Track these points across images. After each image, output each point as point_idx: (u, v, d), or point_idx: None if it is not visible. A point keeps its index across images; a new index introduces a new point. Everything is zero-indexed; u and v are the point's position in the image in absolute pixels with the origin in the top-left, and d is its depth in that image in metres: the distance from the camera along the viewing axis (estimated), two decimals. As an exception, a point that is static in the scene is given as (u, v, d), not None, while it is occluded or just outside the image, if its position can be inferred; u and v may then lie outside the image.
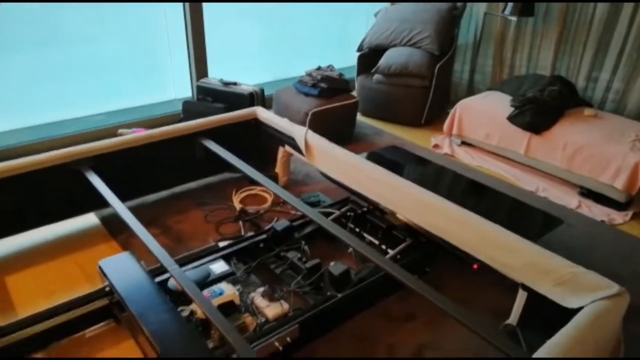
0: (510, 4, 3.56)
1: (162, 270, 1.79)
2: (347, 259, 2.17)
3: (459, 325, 1.44)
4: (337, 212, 2.35)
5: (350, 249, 2.16)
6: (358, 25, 4.75)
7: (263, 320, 1.72)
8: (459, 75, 4.27)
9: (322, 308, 1.72)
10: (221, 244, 2.09)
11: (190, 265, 1.92)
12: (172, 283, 1.78)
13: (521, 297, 1.64)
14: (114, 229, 2.33)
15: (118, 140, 2.38)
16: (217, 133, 2.64)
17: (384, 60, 3.77)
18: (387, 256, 2.04)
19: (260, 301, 1.78)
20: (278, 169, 2.79)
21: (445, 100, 4.14)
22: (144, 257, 1.81)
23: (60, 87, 3.27)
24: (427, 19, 3.78)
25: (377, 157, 2.76)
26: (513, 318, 1.69)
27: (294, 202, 2.07)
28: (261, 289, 1.83)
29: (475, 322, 1.41)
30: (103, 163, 2.29)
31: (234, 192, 2.68)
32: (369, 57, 3.99)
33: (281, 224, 2.18)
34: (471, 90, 4.18)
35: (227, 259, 2.00)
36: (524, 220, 2.26)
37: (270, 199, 2.63)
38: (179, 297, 1.74)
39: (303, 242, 2.15)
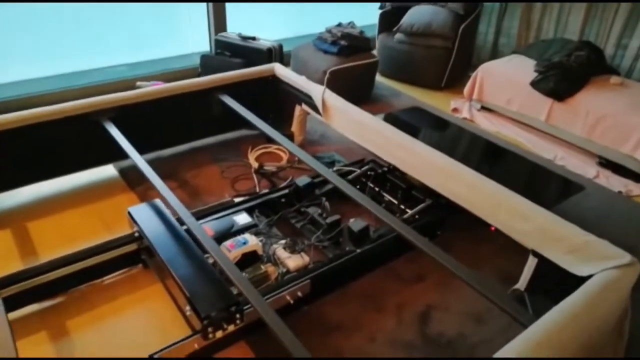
0: (541, -37, 3.40)
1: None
2: (368, 217, 2.19)
3: (467, 287, 1.46)
4: (358, 171, 2.36)
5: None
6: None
7: (284, 270, 1.79)
8: (483, 37, 4.15)
9: (341, 262, 1.78)
10: (237, 200, 2.12)
11: (211, 217, 1.98)
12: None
13: (531, 263, 1.65)
14: (132, 180, 2.38)
15: (137, 93, 2.38)
16: (235, 89, 2.63)
17: (406, 19, 3.67)
18: (406, 216, 2.07)
19: (281, 252, 1.85)
20: (294, 127, 2.79)
21: (468, 63, 4.05)
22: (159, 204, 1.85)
23: (84, 36, 3.27)
24: (453, -24, 3.64)
25: (397, 118, 2.74)
26: (522, 283, 1.71)
27: (309, 161, 2.08)
28: (283, 241, 1.90)
29: (483, 285, 1.43)
30: (122, 115, 2.31)
31: (249, 149, 2.70)
32: (392, 14, 3.88)
33: (303, 179, 2.21)
34: (495, 54, 4.08)
35: (249, 211, 2.06)
36: (544, 186, 2.26)
37: (285, 157, 2.65)
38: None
39: (324, 199, 2.19)
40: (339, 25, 3.47)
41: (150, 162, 1.95)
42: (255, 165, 2.54)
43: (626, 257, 1.38)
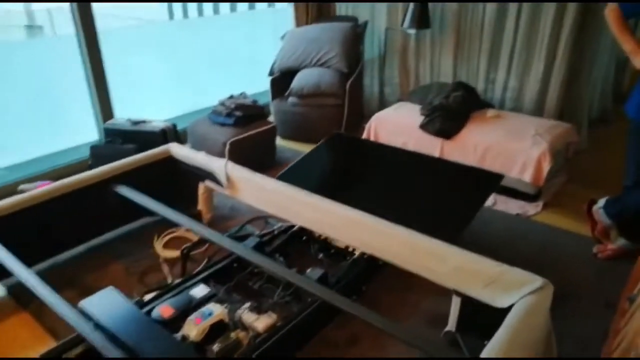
0: (407, 19, 3.73)
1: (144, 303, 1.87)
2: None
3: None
4: (280, 239, 2.35)
5: (321, 255, 2.25)
6: (266, 50, 4.77)
7: (254, 333, 1.77)
8: (370, 89, 4.40)
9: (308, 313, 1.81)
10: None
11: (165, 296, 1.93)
12: (156, 312, 1.80)
13: (455, 302, 1.68)
14: (24, 298, 2.11)
15: (18, 199, 2.18)
16: (131, 176, 2.50)
17: (296, 83, 3.80)
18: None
19: (248, 316, 1.82)
20: (201, 205, 2.69)
21: (360, 116, 4.24)
22: (59, 325, 1.65)
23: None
24: (332, 38, 3.86)
25: (320, 149, 2.88)
26: (451, 324, 1.73)
27: (218, 239, 2.01)
28: (247, 304, 1.87)
29: (416, 337, 1.42)
30: (3, 226, 2.08)
31: (155, 238, 2.54)
32: (282, 80, 4.00)
33: (251, 241, 2.22)
34: (383, 103, 4.32)
35: (205, 282, 2.03)
36: (468, 182, 2.40)
37: (196, 237, 2.52)
38: (166, 326, 1.75)
39: (277, 255, 2.22)
40: (231, 97, 3.50)
41: (45, 272, 1.77)
42: (163, 253, 2.39)
43: (538, 281, 1.45)
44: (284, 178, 2.39)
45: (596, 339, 1.81)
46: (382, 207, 2.19)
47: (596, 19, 3.24)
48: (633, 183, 2.21)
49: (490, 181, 2.36)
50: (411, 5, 3.70)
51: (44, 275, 1.74)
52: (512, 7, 3.42)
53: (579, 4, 3.14)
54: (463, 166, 2.57)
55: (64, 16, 3.22)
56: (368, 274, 2.15)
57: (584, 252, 2.38)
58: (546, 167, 2.76)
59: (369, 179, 2.59)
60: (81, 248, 2.46)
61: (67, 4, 3.16)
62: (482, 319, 1.63)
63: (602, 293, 2.08)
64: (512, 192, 2.94)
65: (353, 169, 2.71)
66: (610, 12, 2.12)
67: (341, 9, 4.35)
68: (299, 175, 2.66)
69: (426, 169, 2.59)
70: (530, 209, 2.81)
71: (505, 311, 1.43)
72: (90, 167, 3.13)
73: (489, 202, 2.90)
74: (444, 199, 2.33)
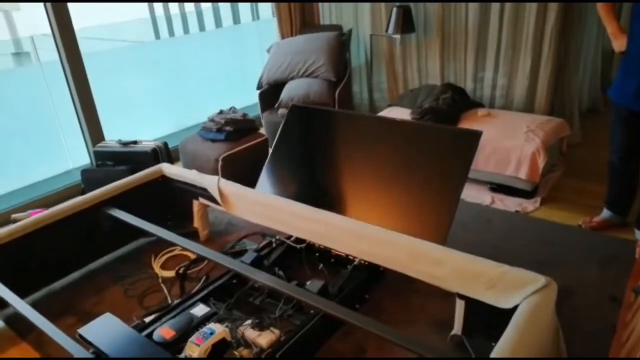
0: (392, 24, 3.74)
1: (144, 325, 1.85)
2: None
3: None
4: (279, 251, 2.32)
5: (321, 265, 2.21)
6: (253, 63, 4.77)
7: (258, 349, 1.74)
8: (359, 96, 4.40)
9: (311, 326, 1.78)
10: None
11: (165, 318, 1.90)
12: (157, 335, 1.78)
13: (460, 305, 1.66)
14: (22, 328, 2.07)
15: (12, 229, 2.15)
16: (124, 198, 2.48)
17: (285, 94, 3.79)
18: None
19: (250, 332, 1.80)
20: (196, 223, 2.66)
21: (352, 122, 4.23)
22: (60, 354, 1.61)
23: None
24: (318, 48, 3.86)
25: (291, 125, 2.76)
26: (457, 328, 1.70)
27: (215, 257, 1.98)
28: (248, 321, 1.85)
29: (421, 344, 1.39)
30: (-3, 257, 2.05)
31: (152, 258, 2.51)
32: (270, 92, 3.99)
33: (249, 256, 2.21)
34: (373, 109, 4.32)
35: (204, 300, 2.01)
36: (451, 143, 2.26)
37: (193, 255, 2.49)
38: (168, 348, 1.72)
39: (276, 269, 2.19)
40: (221, 112, 3.48)
41: (43, 300, 1.74)
42: (162, 274, 2.36)
43: (541, 280, 1.43)
44: (270, 167, 2.38)
45: (604, 333, 1.79)
46: (375, 179, 2.24)
47: (579, 11, 3.26)
48: (617, 158, 2.37)
49: (472, 138, 2.16)
50: (394, 10, 3.71)
51: (42, 303, 1.71)
52: (495, 5, 3.44)
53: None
54: (441, 128, 2.44)
55: (47, 42, 3.21)
56: (370, 281, 2.12)
57: (586, 246, 2.37)
58: (541, 162, 2.76)
59: (348, 151, 2.48)
60: (78, 273, 2.43)
61: (49, 31, 3.15)
62: (487, 318, 1.61)
63: (607, 287, 2.06)
64: (509, 190, 2.93)
65: (330, 143, 2.60)
66: None
67: (325, 18, 4.36)
68: (283, 160, 2.67)
69: (403, 133, 2.42)
70: (529, 205, 2.80)
71: (510, 312, 1.41)
72: (82, 191, 3.10)
73: (486, 201, 2.89)
74: (433, 164, 2.22)
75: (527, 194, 2.88)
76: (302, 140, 2.74)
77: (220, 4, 5.25)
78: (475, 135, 2.14)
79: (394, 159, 2.32)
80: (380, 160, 2.36)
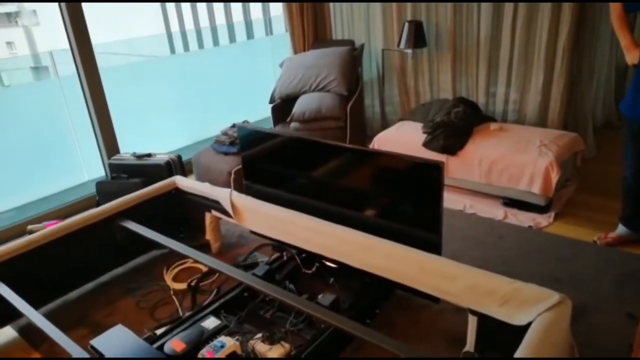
0: (403, 38, 3.76)
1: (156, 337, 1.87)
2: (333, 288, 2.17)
3: (419, 366, 1.40)
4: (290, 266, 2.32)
5: (332, 279, 2.20)
6: (266, 78, 4.82)
7: None
8: (371, 110, 4.42)
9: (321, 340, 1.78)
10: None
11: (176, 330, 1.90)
12: (168, 347, 1.77)
13: (472, 322, 1.64)
14: (35, 338, 2.09)
15: (27, 240, 2.18)
16: (138, 211, 2.50)
17: (297, 108, 3.82)
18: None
19: (261, 346, 1.80)
20: (208, 235, 2.68)
21: (363, 137, 4.25)
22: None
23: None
24: (330, 63, 3.90)
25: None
26: (470, 344, 1.68)
27: (227, 270, 1.99)
28: (259, 335, 1.85)
29: (434, 360, 1.38)
30: (12, 268, 2.07)
31: (165, 270, 2.52)
32: (282, 107, 4.02)
33: (261, 269, 2.21)
34: (385, 123, 4.33)
35: (216, 313, 2.02)
36: (409, 177, 1.92)
37: (205, 268, 2.50)
38: None
39: (287, 282, 2.20)
40: (233, 126, 3.52)
41: (56, 311, 1.75)
42: (173, 286, 2.37)
43: (555, 297, 1.41)
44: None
45: (621, 352, 1.76)
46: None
47: (592, 25, 3.25)
48: (631, 174, 2.34)
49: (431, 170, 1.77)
50: (406, 25, 3.74)
51: (55, 314, 1.73)
52: (507, 20, 3.44)
53: (572, 14, 3.15)
54: (402, 157, 1.92)
55: (65, 57, 3.28)
56: (381, 295, 2.11)
57: (601, 263, 2.33)
58: (554, 177, 2.73)
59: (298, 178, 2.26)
60: (91, 284, 2.45)
61: (67, 46, 3.22)
62: (500, 335, 1.59)
63: (623, 304, 2.02)
64: (522, 205, 2.91)
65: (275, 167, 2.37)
66: (614, 8, 2.24)
67: (337, 33, 4.40)
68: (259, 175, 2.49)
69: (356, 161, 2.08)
70: (542, 220, 2.77)
71: (524, 329, 1.39)
72: (97, 203, 3.14)
73: (499, 216, 2.87)
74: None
75: (540, 209, 2.85)
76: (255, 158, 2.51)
77: (234, 20, 5.34)
78: (436, 167, 1.77)
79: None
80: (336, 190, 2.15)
